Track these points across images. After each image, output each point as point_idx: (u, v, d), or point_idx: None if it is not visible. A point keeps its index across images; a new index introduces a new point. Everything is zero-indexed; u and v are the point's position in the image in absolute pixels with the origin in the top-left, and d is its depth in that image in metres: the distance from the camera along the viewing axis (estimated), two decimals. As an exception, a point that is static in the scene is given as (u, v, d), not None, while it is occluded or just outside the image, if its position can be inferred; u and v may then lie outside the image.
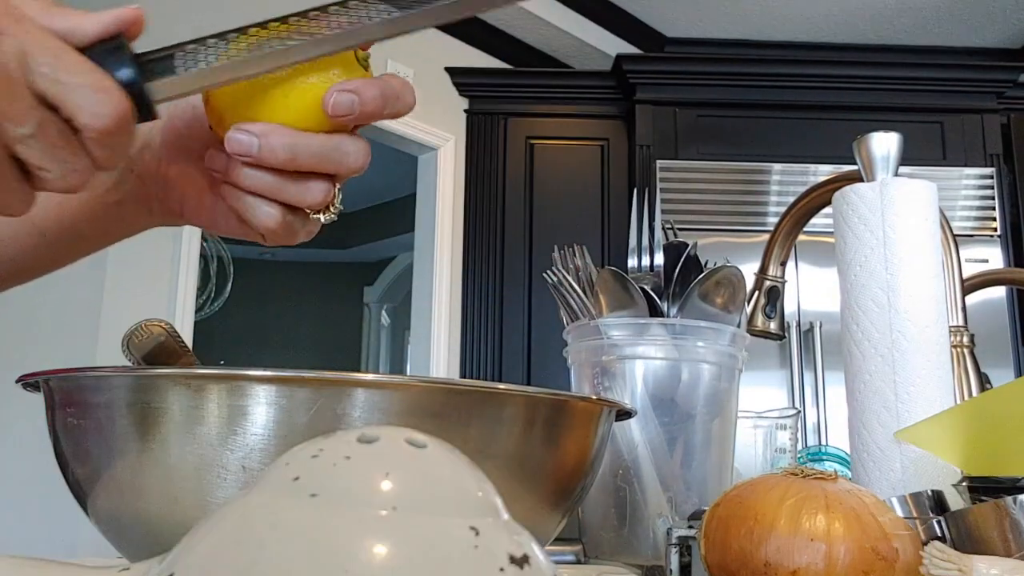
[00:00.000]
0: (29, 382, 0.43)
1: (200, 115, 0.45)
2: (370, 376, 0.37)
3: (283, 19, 0.39)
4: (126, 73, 0.35)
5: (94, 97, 0.34)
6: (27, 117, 0.33)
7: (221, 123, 0.41)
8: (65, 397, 0.40)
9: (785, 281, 0.97)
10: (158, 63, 0.37)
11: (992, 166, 3.10)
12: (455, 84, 3.25)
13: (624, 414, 0.51)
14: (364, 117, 0.41)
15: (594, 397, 0.48)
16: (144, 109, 0.36)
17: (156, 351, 0.51)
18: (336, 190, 0.43)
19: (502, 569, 0.23)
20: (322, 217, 0.43)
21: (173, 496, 0.37)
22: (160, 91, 0.36)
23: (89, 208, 0.51)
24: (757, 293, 0.96)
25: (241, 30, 0.38)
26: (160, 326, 0.51)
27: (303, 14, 0.39)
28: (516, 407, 0.40)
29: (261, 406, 0.36)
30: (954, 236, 0.90)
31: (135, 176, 0.47)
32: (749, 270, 0.87)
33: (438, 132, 3.20)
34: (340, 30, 0.38)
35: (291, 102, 0.40)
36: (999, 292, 2.96)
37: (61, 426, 0.41)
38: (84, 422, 0.39)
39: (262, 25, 0.39)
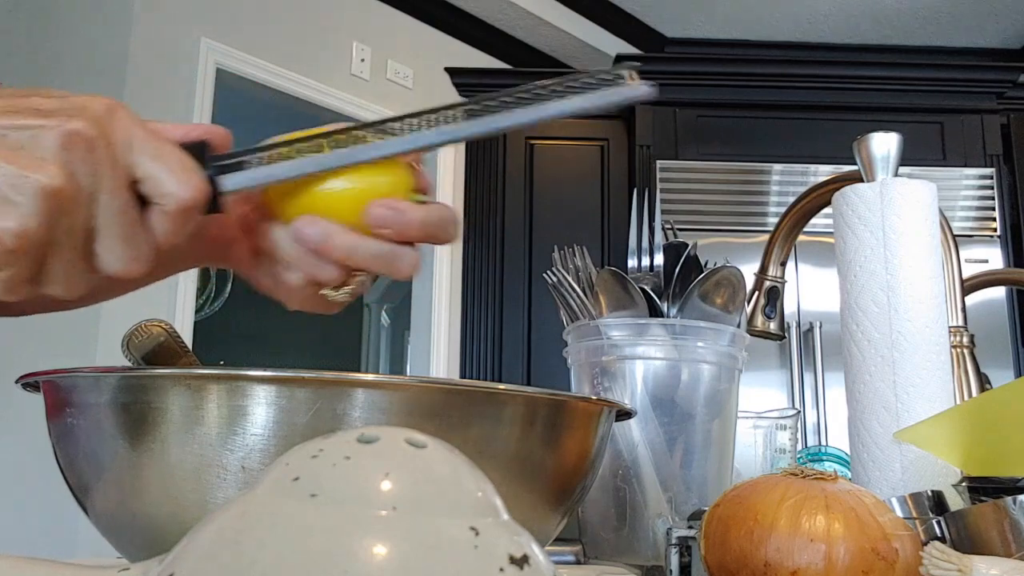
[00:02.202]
0: (29, 382, 0.43)
1: None
2: (370, 376, 0.37)
3: (347, 129, 0.43)
4: (203, 164, 0.40)
5: (181, 173, 0.38)
6: (121, 192, 0.37)
7: (283, 205, 0.45)
8: (65, 397, 0.40)
9: (785, 281, 0.97)
10: (231, 162, 0.41)
11: (992, 166, 3.10)
12: (455, 84, 3.25)
13: (624, 414, 0.51)
14: (401, 236, 0.44)
15: (594, 397, 0.48)
16: (213, 201, 0.40)
17: (156, 351, 0.51)
18: (357, 277, 0.46)
19: (502, 569, 0.23)
20: (330, 293, 0.46)
21: (173, 496, 0.37)
22: (229, 183, 0.41)
23: None
24: (757, 293, 0.96)
25: (308, 138, 0.43)
26: (160, 326, 0.51)
27: (368, 125, 0.43)
28: (516, 407, 0.40)
29: (261, 406, 0.36)
30: (954, 236, 0.90)
31: None
32: (749, 270, 0.87)
33: (438, 132, 3.19)
34: (388, 139, 0.42)
35: (350, 205, 0.43)
36: (999, 292, 2.96)
37: (61, 426, 0.41)
38: (84, 422, 0.39)
39: (326, 135, 0.43)
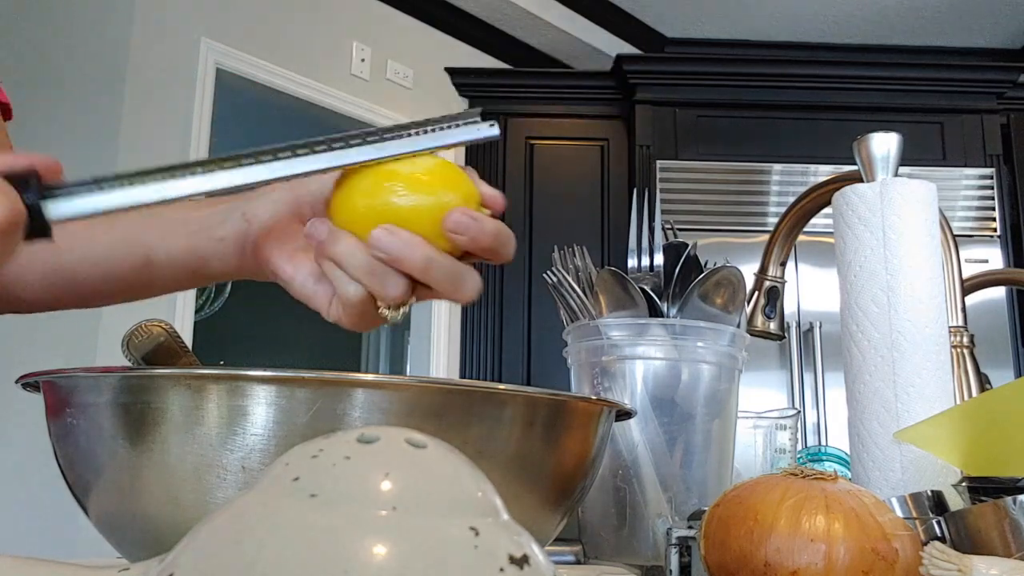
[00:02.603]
0: (29, 382, 0.43)
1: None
2: (370, 376, 0.37)
3: (184, 165, 0.43)
4: (26, 191, 0.40)
5: None
6: None
7: (356, 217, 0.44)
8: (65, 397, 0.40)
9: (785, 281, 0.97)
10: (62, 191, 0.41)
11: (992, 166, 3.10)
12: (455, 84, 3.26)
13: (624, 414, 0.51)
14: (475, 245, 0.44)
15: (594, 397, 0.48)
16: (40, 227, 0.40)
17: (156, 351, 0.51)
18: (412, 298, 0.46)
19: (502, 569, 0.23)
20: (387, 312, 0.46)
21: (173, 496, 0.37)
22: (57, 210, 0.41)
23: (194, 242, 0.54)
24: (757, 293, 0.96)
25: (144, 172, 0.43)
26: (160, 326, 0.51)
27: (222, 158, 0.43)
28: (516, 407, 0.40)
29: (261, 406, 0.36)
30: (954, 236, 0.90)
31: (243, 217, 0.52)
32: (749, 270, 0.87)
33: (438, 132, 3.19)
34: (216, 172, 0.43)
35: (425, 218, 0.43)
36: (999, 292, 2.96)
37: (61, 426, 0.41)
38: (84, 422, 0.39)
39: (170, 169, 0.43)
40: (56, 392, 0.41)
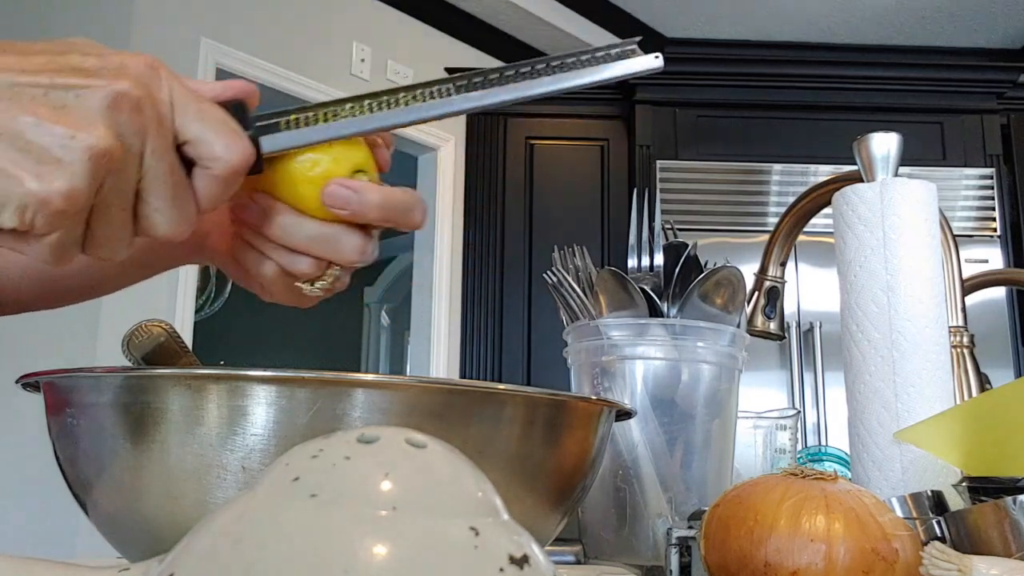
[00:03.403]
0: (29, 382, 0.43)
1: None
2: (370, 376, 0.37)
3: (376, 94, 0.43)
4: (245, 124, 0.40)
5: (229, 136, 0.38)
6: (167, 154, 0.37)
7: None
8: (65, 397, 0.40)
9: (785, 281, 0.97)
10: (266, 123, 0.41)
11: (992, 166, 3.10)
12: (455, 84, 3.25)
13: (624, 414, 0.51)
14: (361, 217, 0.43)
15: (594, 397, 0.48)
16: (255, 162, 0.40)
17: (156, 351, 0.51)
18: (330, 271, 0.45)
19: (502, 569, 0.23)
20: (305, 287, 0.46)
21: (173, 496, 0.37)
22: (269, 144, 0.41)
23: None
24: (757, 293, 0.96)
25: (338, 102, 0.43)
26: (160, 326, 0.51)
27: (391, 91, 0.43)
28: (516, 407, 0.40)
29: (261, 406, 0.36)
30: (954, 236, 0.90)
31: None
32: (749, 270, 0.87)
33: (438, 132, 3.20)
34: (412, 105, 0.43)
35: (305, 188, 0.43)
36: (999, 292, 2.96)
37: (60, 426, 0.41)
38: (84, 422, 0.39)
39: (358, 99, 0.43)
40: (56, 392, 0.41)
